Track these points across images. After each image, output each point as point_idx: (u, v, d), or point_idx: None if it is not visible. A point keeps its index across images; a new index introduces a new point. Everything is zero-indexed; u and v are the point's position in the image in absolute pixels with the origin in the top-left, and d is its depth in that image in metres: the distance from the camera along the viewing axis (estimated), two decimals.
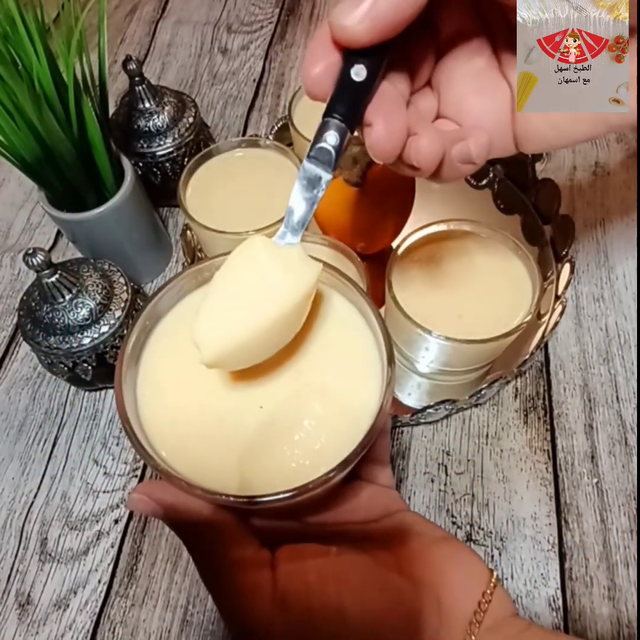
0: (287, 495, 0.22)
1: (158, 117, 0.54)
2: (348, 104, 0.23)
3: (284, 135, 0.57)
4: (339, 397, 0.27)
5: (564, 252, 0.50)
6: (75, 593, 0.43)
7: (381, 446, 0.30)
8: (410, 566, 0.26)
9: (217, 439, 0.26)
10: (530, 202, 0.56)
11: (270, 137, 0.59)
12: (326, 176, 0.24)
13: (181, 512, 0.24)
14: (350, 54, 0.23)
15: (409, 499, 0.45)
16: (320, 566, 0.24)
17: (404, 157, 0.24)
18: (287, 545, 0.25)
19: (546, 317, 0.49)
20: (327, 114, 0.24)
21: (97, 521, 0.46)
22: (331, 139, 0.24)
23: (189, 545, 0.25)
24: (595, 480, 0.45)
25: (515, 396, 0.49)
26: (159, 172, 0.57)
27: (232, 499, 0.22)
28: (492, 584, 0.26)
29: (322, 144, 0.24)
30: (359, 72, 0.23)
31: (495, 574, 0.27)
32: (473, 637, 0.25)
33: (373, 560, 0.26)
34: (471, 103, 0.26)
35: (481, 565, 0.28)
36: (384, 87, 0.24)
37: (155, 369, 0.28)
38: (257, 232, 0.44)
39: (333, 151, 0.24)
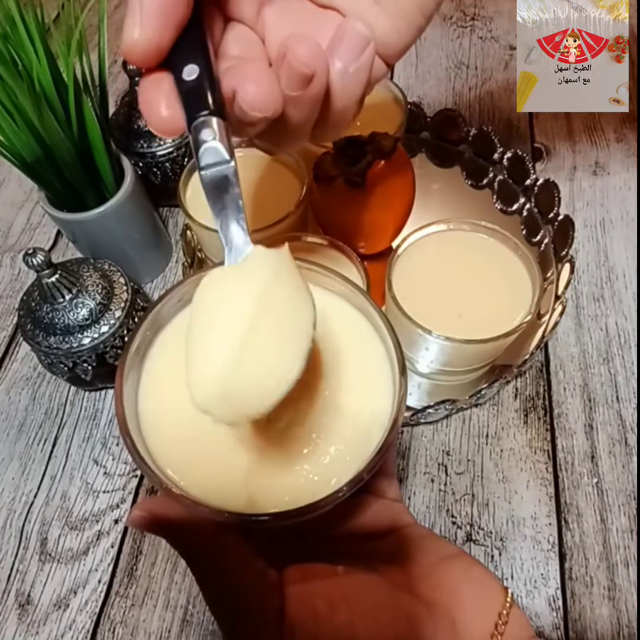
0: (295, 513, 0.21)
1: None
2: (199, 100, 0.22)
3: None
4: (348, 410, 0.26)
5: (564, 252, 0.50)
6: (75, 593, 0.43)
7: (388, 459, 0.29)
8: (421, 586, 0.25)
9: (223, 455, 0.25)
10: (530, 202, 0.56)
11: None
12: (229, 168, 0.22)
13: (184, 531, 0.23)
14: (169, 64, 0.22)
15: (409, 499, 0.45)
16: (330, 590, 0.23)
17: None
18: (294, 566, 0.24)
19: (546, 317, 0.49)
20: (189, 122, 0.22)
21: (97, 521, 0.46)
22: (208, 135, 0.22)
23: (191, 564, 0.24)
24: (595, 480, 0.45)
25: (515, 396, 0.49)
26: (159, 172, 0.57)
27: (238, 517, 0.22)
28: (508, 604, 0.25)
29: (204, 146, 0.22)
30: (190, 73, 0.22)
31: (510, 592, 0.26)
32: None
33: (384, 581, 0.25)
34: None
35: (495, 583, 0.27)
36: (219, 51, 0.23)
37: (157, 383, 0.27)
38: (257, 232, 0.44)
39: (218, 144, 0.22)
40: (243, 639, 0.23)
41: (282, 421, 0.25)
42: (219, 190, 0.22)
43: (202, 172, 0.22)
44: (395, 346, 0.25)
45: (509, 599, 0.25)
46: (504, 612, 0.25)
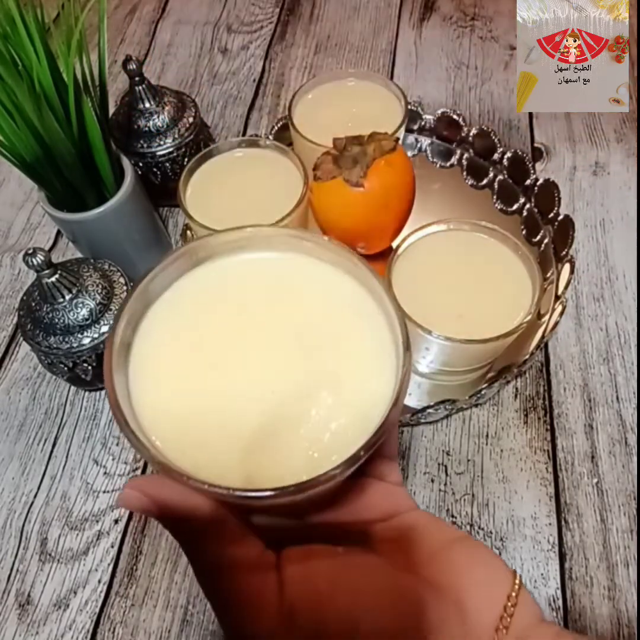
0: (294, 489, 0.21)
1: (158, 117, 0.54)
2: None
3: (284, 135, 0.57)
4: (348, 385, 0.25)
5: (564, 252, 0.50)
6: (75, 593, 0.43)
7: (390, 440, 0.28)
8: (426, 569, 0.24)
9: (218, 430, 0.24)
10: (530, 202, 0.56)
11: (270, 137, 0.59)
12: None
13: (177, 510, 0.22)
14: None
15: None
16: (331, 570, 0.23)
17: None
18: (293, 547, 0.24)
19: (546, 317, 0.49)
20: None
21: (97, 521, 0.46)
22: None
23: (185, 545, 0.23)
24: (595, 480, 0.45)
25: (515, 396, 0.49)
26: (159, 172, 0.57)
27: (235, 492, 0.21)
28: (516, 586, 0.24)
29: None
30: None
31: (518, 575, 0.25)
32: None
33: (386, 563, 0.24)
34: None
35: (503, 566, 0.26)
36: None
37: (148, 356, 0.26)
38: None
39: None
40: (240, 624, 0.22)
41: (281, 395, 0.25)
42: None
43: None
44: (399, 321, 0.24)
45: (517, 582, 0.25)
46: (513, 594, 0.24)
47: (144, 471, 0.48)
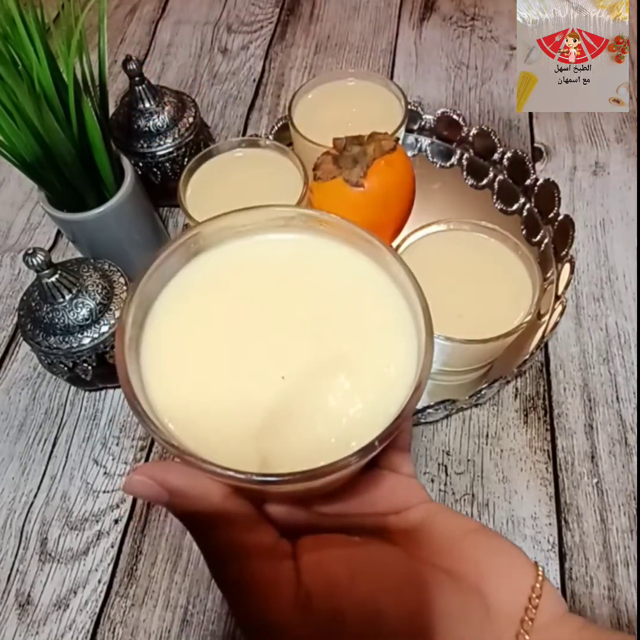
0: (306, 474, 0.20)
1: (158, 117, 0.54)
2: None
3: (284, 135, 0.57)
4: (366, 370, 0.24)
5: (564, 252, 0.50)
6: (75, 593, 0.43)
7: (403, 433, 0.28)
8: (444, 560, 0.24)
9: (231, 414, 0.24)
10: (530, 202, 0.56)
11: (270, 137, 0.59)
12: None
13: (189, 497, 0.21)
14: None
15: None
16: (348, 558, 0.22)
17: None
18: (308, 536, 0.23)
19: (546, 317, 0.49)
20: None
21: (97, 521, 0.46)
22: None
23: (196, 533, 0.22)
24: (595, 480, 0.45)
25: (515, 396, 0.49)
26: (159, 172, 0.57)
27: (251, 477, 0.20)
28: (540, 577, 0.24)
29: None
30: None
31: (540, 566, 0.24)
32: (527, 638, 0.22)
33: (403, 553, 0.23)
34: None
35: (524, 556, 0.25)
36: None
37: (160, 342, 0.25)
38: None
39: None
40: (254, 613, 0.21)
41: (295, 379, 0.24)
42: None
43: None
44: (422, 306, 0.24)
45: (540, 573, 0.24)
46: (537, 585, 0.23)
47: None
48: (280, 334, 0.25)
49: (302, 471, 0.20)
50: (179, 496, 0.22)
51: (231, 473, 0.20)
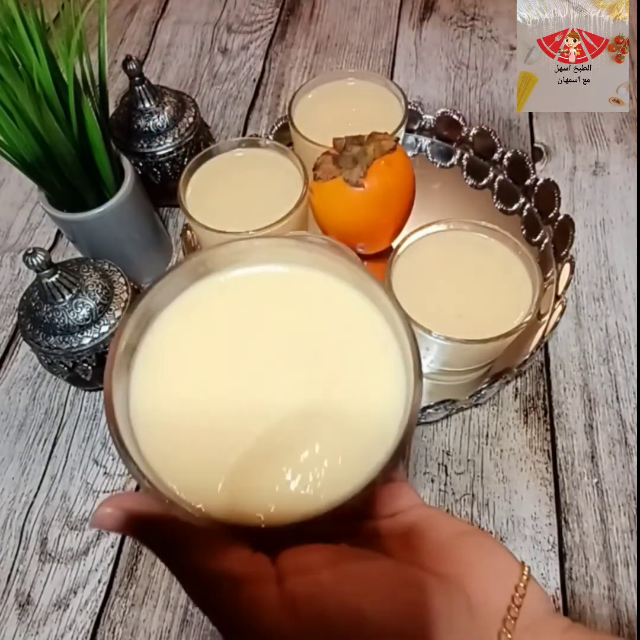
0: (280, 530, 0.21)
1: (158, 117, 0.54)
2: None
3: (284, 135, 0.57)
4: (353, 418, 0.24)
5: (564, 252, 0.50)
6: (75, 593, 0.43)
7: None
8: (432, 562, 0.24)
9: (208, 449, 0.24)
10: (530, 202, 0.56)
11: (270, 137, 0.59)
12: None
13: (156, 525, 0.22)
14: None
15: None
16: (331, 563, 0.22)
17: None
18: (289, 549, 0.23)
19: (546, 317, 0.49)
20: None
21: None
22: None
23: (169, 562, 0.22)
24: (595, 480, 0.45)
25: (515, 396, 0.49)
26: (159, 172, 0.57)
27: (216, 523, 0.21)
28: (525, 577, 0.24)
29: None
30: None
31: (526, 566, 0.25)
32: (509, 636, 0.22)
33: (390, 558, 0.23)
34: None
35: (510, 557, 0.25)
36: None
37: (149, 370, 0.25)
38: (257, 232, 0.44)
39: None
40: (242, 631, 0.21)
41: (277, 421, 0.24)
42: None
43: None
44: (412, 348, 0.23)
45: (525, 573, 0.24)
46: (521, 585, 0.24)
47: None
48: (267, 375, 0.25)
49: (269, 526, 0.21)
50: (146, 525, 0.22)
51: (194, 519, 0.21)
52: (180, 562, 0.22)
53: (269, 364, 0.25)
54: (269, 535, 0.22)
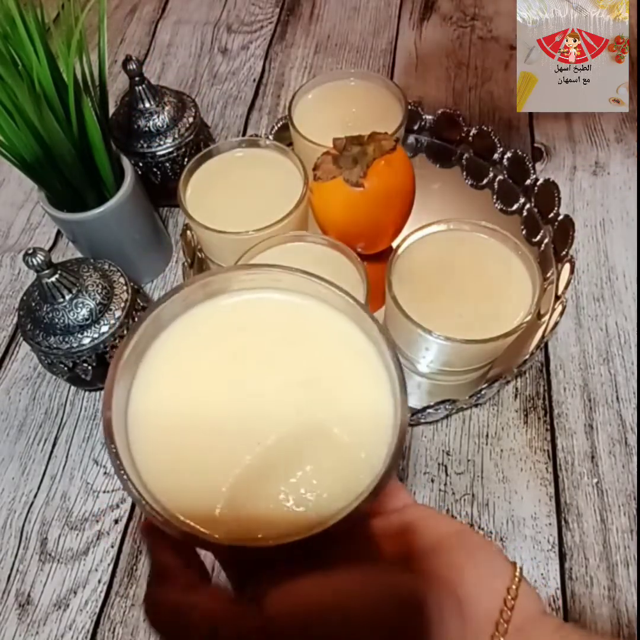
0: (269, 549, 0.21)
1: (158, 117, 0.54)
2: None
3: (284, 135, 0.57)
4: (341, 444, 0.25)
5: (564, 252, 0.50)
6: (75, 593, 0.43)
7: None
8: (425, 563, 0.24)
9: (201, 474, 0.24)
10: (530, 202, 0.56)
11: (270, 137, 0.59)
12: None
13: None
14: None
15: None
16: (317, 598, 0.22)
17: None
18: (275, 591, 0.23)
19: (546, 317, 0.49)
20: None
21: (97, 521, 0.46)
22: None
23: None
24: (595, 480, 0.45)
25: (515, 396, 0.49)
26: (159, 172, 0.57)
27: (199, 541, 0.21)
28: (516, 579, 0.24)
29: None
30: None
31: (518, 567, 0.25)
32: (501, 639, 0.22)
33: (377, 566, 0.24)
34: None
35: (502, 558, 0.25)
36: None
37: (149, 386, 0.26)
38: (257, 232, 0.44)
39: None
40: None
41: (268, 447, 0.25)
42: None
43: None
44: (399, 379, 0.24)
45: (517, 574, 0.24)
46: (513, 587, 0.24)
47: None
48: (261, 401, 0.26)
49: (247, 547, 0.21)
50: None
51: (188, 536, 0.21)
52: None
53: (264, 386, 0.26)
54: (265, 554, 0.22)
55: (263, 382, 0.26)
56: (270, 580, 0.23)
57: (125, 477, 0.22)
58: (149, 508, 0.21)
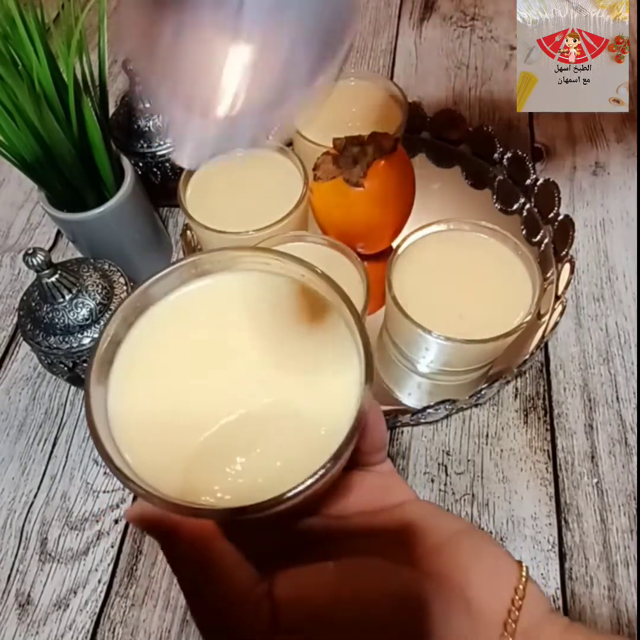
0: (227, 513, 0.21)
1: (158, 117, 0.54)
2: None
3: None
4: (303, 419, 0.25)
5: (564, 252, 0.50)
6: (75, 593, 0.43)
7: (374, 434, 0.28)
8: (429, 562, 0.24)
9: (172, 440, 0.25)
10: (530, 202, 0.56)
11: (270, 137, 0.59)
12: None
13: (171, 531, 0.22)
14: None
15: None
16: (326, 587, 0.22)
17: None
18: (281, 572, 0.23)
19: (546, 317, 0.49)
20: None
21: (97, 521, 0.46)
22: None
23: (184, 584, 0.23)
24: (595, 480, 0.45)
25: (515, 396, 0.49)
26: (159, 172, 0.57)
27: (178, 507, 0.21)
28: (523, 578, 0.24)
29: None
30: None
31: (525, 566, 0.25)
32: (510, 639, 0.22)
33: (385, 562, 0.23)
34: None
35: (508, 557, 0.25)
36: None
37: (130, 369, 0.26)
38: (257, 232, 0.44)
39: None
40: None
41: (241, 418, 0.25)
42: None
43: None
44: (365, 352, 0.24)
45: (524, 574, 0.24)
46: (520, 587, 0.24)
47: None
48: (230, 376, 0.26)
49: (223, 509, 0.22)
50: (170, 546, 0.22)
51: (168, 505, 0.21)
52: (188, 579, 0.22)
53: (236, 365, 0.27)
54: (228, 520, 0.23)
55: (234, 360, 0.27)
56: (276, 561, 0.23)
57: (108, 458, 0.22)
58: (129, 482, 0.22)
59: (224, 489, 0.24)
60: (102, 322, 0.44)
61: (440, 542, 0.25)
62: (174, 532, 0.22)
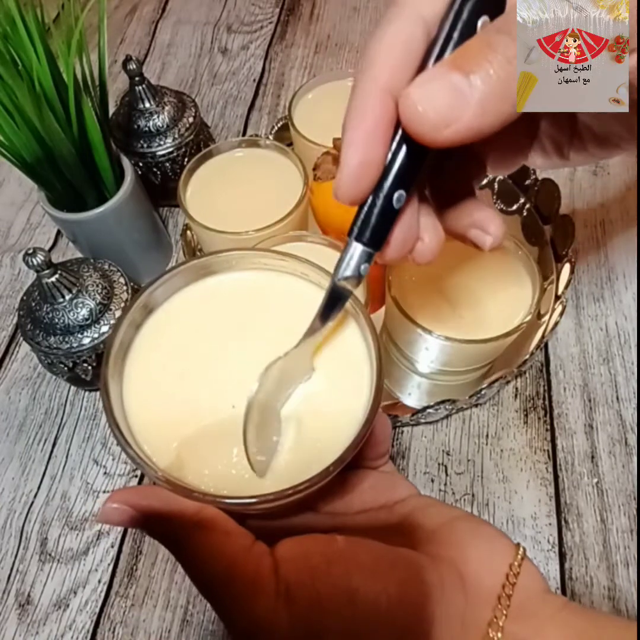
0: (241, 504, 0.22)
1: (158, 117, 0.54)
2: (383, 234, 0.22)
3: (284, 135, 0.57)
4: (305, 423, 0.25)
5: (564, 252, 0.50)
6: (75, 593, 0.43)
7: (379, 435, 0.28)
8: (424, 545, 0.24)
9: (179, 425, 0.25)
10: (530, 202, 0.56)
11: (270, 137, 0.59)
12: (348, 297, 0.25)
13: (163, 516, 0.22)
14: (397, 173, 0.21)
15: None
16: (325, 548, 0.23)
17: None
18: (287, 538, 0.24)
19: (546, 317, 0.49)
20: (360, 237, 0.22)
21: (97, 521, 0.46)
22: (362, 266, 0.23)
23: (175, 550, 0.23)
24: (595, 480, 0.45)
25: (515, 396, 0.49)
26: (159, 172, 0.57)
27: (229, 501, 0.22)
28: (519, 556, 0.24)
29: (351, 270, 0.23)
30: (400, 198, 0.21)
31: (522, 547, 0.25)
32: (504, 612, 0.23)
33: (388, 543, 0.24)
34: None
35: (504, 538, 0.26)
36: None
37: (142, 367, 0.27)
38: (257, 232, 0.44)
39: (361, 277, 0.23)
40: (239, 612, 0.21)
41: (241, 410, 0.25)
42: (333, 302, 0.24)
43: (336, 282, 0.24)
44: (375, 350, 0.25)
45: (520, 553, 0.24)
46: (516, 563, 0.24)
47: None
48: (238, 367, 0.27)
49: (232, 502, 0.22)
50: (154, 517, 0.22)
51: (215, 499, 0.22)
52: (183, 546, 0.23)
53: (243, 361, 0.27)
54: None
55: (241, 358, 0.27)
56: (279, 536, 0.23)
57: (140, 459, 0.23)
58: (177, 484, 0.22)
59: (212, 475, 0.24)
60: (102, 322, 0.44)
61: (437, 526, 0.26)
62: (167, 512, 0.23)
